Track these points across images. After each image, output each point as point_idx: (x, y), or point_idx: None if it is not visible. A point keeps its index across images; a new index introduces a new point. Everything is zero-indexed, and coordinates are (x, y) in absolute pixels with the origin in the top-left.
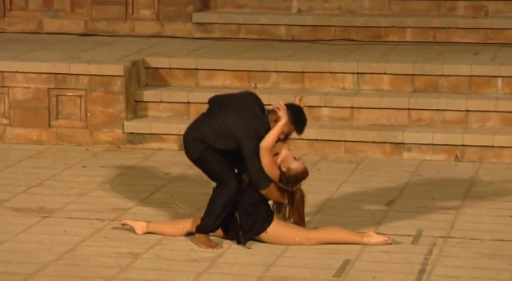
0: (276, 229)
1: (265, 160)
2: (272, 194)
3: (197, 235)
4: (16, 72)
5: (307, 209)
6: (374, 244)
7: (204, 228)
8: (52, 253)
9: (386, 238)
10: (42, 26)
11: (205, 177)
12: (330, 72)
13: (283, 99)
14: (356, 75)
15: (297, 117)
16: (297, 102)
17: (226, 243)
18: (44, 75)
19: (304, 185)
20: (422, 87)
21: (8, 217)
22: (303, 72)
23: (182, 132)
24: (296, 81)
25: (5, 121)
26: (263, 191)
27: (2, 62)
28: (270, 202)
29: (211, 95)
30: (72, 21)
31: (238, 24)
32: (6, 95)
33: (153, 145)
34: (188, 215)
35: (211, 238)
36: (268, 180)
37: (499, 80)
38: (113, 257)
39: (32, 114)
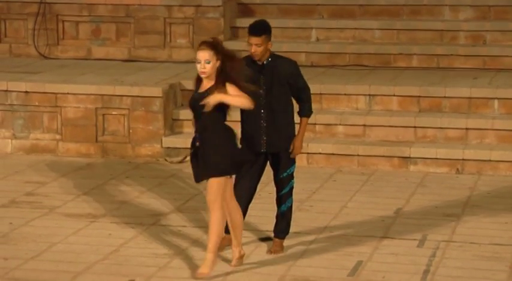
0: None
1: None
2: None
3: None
4: (68, 93)
5: (324, 216)
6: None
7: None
8: (98, 253)
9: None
10: (91, 53)
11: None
12: (345, 94)
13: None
14: (368, 96)
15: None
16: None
17: (253, 245)
18: (92, 96)
19: (322, 195)
20: (427, 107)
21: (60, 221)
22: (320, 93)
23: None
24: (315, 102)
25: (57, 137)
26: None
27: (55, 84)
28: None
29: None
30: (117, 49)
31: None
32: (59, 113)
33: (188, 158)
34: None
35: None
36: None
37: (496, 101)
38: (152, 257)
39: (81, 130)
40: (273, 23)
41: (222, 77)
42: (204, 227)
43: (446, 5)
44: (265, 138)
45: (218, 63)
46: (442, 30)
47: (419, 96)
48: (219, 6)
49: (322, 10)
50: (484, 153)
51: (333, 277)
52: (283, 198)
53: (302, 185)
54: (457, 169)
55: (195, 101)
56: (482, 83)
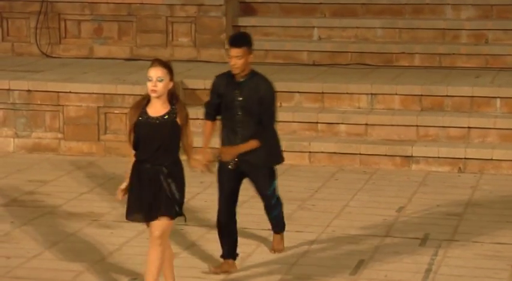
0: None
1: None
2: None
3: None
4: (70, 92)
5: (326, 214)
6: None
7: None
8: (100, 252)
9: None
10: (93, 51)
11: None
12: (347, 93)
13: (304, 117)
14: (370, 95)
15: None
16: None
17: (254, 244)
18: (94, 95)
19: (324, 194)
20: (429, 106)
21: (62, 220)
22: (322, 93)
23: (216, 145)
24: (317, 101)
25: (59, 135)
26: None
27: (57, 83)
28: None
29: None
30: (119, 48)
31: (266, 50)
32: (61, 112)
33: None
34: None
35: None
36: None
37: (498, 100)
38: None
39: (83, 129)
40: (275, 21)
41: (178, 98)
42: (206, 226)
43: (448, 4)
44: (237, 157)
45: (171, 84)
46: (444, 29)
47: (421, 95)
48: (221, 5)
49: (324, 9)
50: (486, 152)
51: (335, 276)
52: (271, 208)
53: (304, 184)
54: (459, 168)
55: (150, 126)
56: (484, 82)
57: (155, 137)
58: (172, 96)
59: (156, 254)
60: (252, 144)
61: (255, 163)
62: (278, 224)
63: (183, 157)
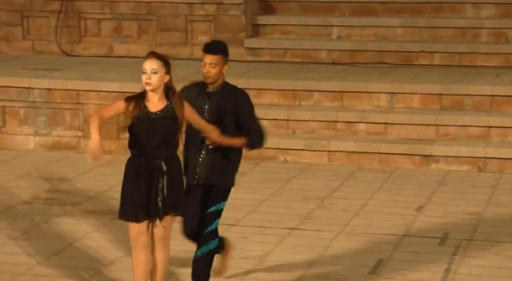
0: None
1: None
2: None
3: None
4: (89, 91)
5: (345, 214)
6: None
7: None
8: (119, 250)
9: None
10: (113, 50)
11: (256, 184)
12: (366, 92)
13: (323, 115)
14: (389, 94)
15: None
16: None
17: (273, 243)
18: (114, 93)
19: (343, 193)
20: (448, 105)
21: (81, 218)
22: (342, 91)
23: None
24: (336, 100)
25: (79, 133)
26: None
27: (77, 81)
28: None
29: (261, 111)
30: (139, 46)
31: (285, 49)
32: (81, 110)
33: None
34: (239, 217)
35: None
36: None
37: None
38: (173, 253)
39: (102, 127)
40: (294, 20)
41: (174, 92)
42: (225, 224)
43: (468, 3)
44: (198, 170)
45: (167, 78)
46: (464, 27)
47: (441, 94)
48: (240, 3)
49: (343, 7)
50: (506, 151)
51: (354, 275)
52: (205, 238)
53: (323, 183)
54: (479, 167)
55: (148, 121)
56: (505, 80)
57: (153, 132)
58: (168, 90)
59: (162, 256)
60: (240, 141)
61: (215, 178)
62: (195, 273)
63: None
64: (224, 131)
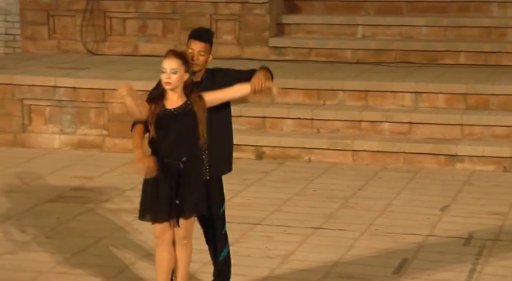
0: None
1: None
2: None
3: None
4: (114, 89)
5: (369, 213)
6: None
7: None
8: (144, 248)
9: None
10: (138, 49)
11: (280, 184)
12: (391, 91)
13: (348, 115)
14: (414, 94)
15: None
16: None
17: (297, 242)
18: (139, 92)
19: (367, 192)
20: (474, 105)
21: (106, 216)
22: (366, 91)
23: (259, 143)
24: (360, 99)
25: (104, 132)
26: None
27: (102, 80)
28: None
29: (285, 110)
30: (164, 45)
31: (309, 48)
32: (106, 109)
33: (233, 154)
34: (263, 217)
35: None
36: None
37: None
38: (196, 253)
39: (127, 126)
40: (318, 19)
41: (193, 89)
42: (249, 223)
43: (494, 2)
44: (207, 165)
45: (186, 76)
46: (490, 27)
47: (466, 94)
48: (265, 2)
49: (368, 7)
50: None
51: (378, 275)
52: (225, 238)
53: (347, 182)
54: (504, 167)
55: (167, 118)
56: None
57: (172, 129)
58: (187, 88)
59: (184, 255)
60: (264, 72)
61: (225, 170)
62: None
63: None
64: (218, 114)
